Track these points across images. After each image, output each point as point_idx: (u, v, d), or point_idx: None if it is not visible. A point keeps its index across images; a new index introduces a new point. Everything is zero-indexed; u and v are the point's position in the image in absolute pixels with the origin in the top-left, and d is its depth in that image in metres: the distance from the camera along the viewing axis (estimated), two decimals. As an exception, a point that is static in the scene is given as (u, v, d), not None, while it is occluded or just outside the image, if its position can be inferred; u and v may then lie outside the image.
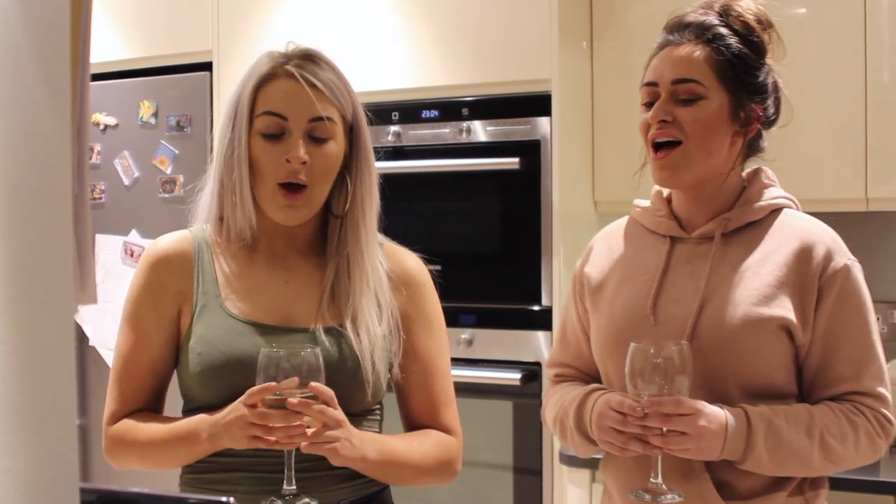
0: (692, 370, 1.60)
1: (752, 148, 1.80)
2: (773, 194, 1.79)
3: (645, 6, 3.07)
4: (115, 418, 1.77)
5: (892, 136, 2.77)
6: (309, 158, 1.69)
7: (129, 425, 1.76)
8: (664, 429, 1.59)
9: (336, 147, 1.74)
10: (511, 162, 3.02)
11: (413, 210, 3.16)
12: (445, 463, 1.80)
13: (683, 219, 1.81)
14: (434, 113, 3.17)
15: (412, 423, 1.84)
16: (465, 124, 3.10)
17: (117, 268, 3.69)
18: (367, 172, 1.78)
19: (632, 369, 1.61)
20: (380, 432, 1.81)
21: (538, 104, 3.01)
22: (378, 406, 1.81)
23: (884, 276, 3.03)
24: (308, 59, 1.74)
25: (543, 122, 3.01)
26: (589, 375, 1.89)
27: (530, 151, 3.02)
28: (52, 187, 0.77)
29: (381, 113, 3.15)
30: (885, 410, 1.70)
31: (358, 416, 1.73)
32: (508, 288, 3.09)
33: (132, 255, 3.67)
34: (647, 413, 1.59)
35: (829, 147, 2.85)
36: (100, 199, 3.74)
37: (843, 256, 1.71)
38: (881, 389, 1.70)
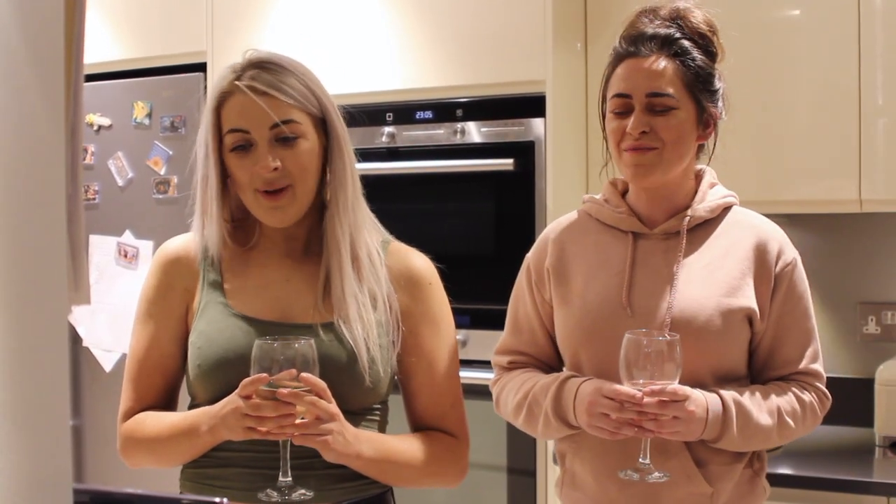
0: (681, 359, 1.73)
1: (700, 147, 1.95)
2: (722, 192, 1.95)
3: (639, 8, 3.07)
4: (128, 416, 1.81)
5: (886, 138, 2.78)
6: (281, 162, 1.72)
7: (137, 421, 1.79)
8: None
9: (308, 144, 1.75)
10: (505, 163, 3.03)
11: (407, 211, 3.16)
12: (449, 464, 1.81)
13: (643, 215, 1.93)
14: (428, 114, 3.17)
15: (418, 425, 1.84)
16: (459, 125, 3.10)
17: (111, 269, 3.69)
18: (341, 165, 1.79)
19: (626, 359, 1.73)
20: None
21: (532, 105, 3.02)
22: (379, 406, 1.81)
23: (877, 278, 3.03)
24: (259, 67, 1.75)
25: (537, 123, 3.01)
26: (543, 362, 2.00)
27: (524, 152, 3.02)
28: (45, 188, 0.77)
29: (375, 114, 3.16)
30: (822, 386, 1.91)
31: (357, 414, 1.74)
32: (502, 288, 3.08)
33: (126, 256, 3.67)
34: (646, 401, 1.71)
35: (822, 149, 2.86)
36: (93, 199, 3.74)
37: (792, 251, 1.91)
38: (818, 367, 1.90)
